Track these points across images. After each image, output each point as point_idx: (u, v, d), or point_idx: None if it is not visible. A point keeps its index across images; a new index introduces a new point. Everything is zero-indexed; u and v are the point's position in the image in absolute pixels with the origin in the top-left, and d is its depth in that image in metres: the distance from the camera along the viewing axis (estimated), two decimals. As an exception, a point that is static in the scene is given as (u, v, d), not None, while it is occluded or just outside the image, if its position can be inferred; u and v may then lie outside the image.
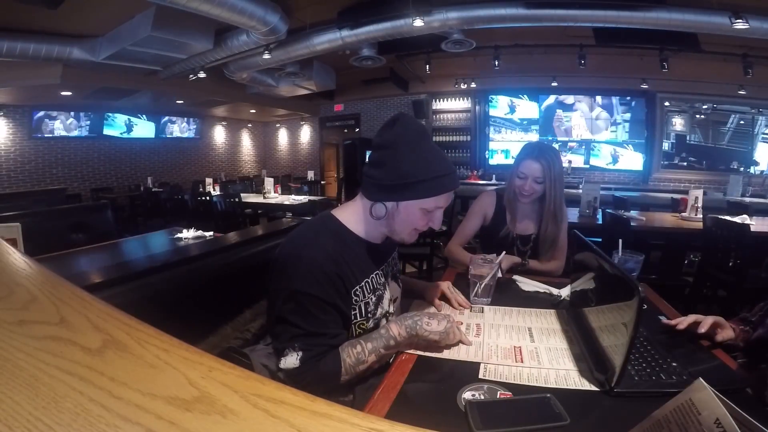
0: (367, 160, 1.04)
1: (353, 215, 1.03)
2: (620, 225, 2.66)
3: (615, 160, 7.22)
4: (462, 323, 1.09)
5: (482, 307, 1.22)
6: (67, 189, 6.91)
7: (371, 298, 1.02)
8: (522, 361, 0.89)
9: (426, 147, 0.95)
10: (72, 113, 7.00)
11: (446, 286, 1.24)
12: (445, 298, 1.24)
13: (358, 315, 0.99)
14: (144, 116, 8.09)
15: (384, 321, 1.07)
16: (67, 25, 4.23)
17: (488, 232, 1.75)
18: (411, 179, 0.92)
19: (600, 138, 7.27)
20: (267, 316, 1.06)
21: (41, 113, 6.63)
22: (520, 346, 0.96)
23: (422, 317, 0.92)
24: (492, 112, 7.81)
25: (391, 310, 1.11)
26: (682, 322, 1.00)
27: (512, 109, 7.71)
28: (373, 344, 0.92)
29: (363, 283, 1.00)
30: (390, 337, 0.91)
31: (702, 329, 0.96)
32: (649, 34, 4.34)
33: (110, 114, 7.51)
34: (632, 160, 7.15)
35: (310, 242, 0.95)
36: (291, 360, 0.87)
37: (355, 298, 0.98)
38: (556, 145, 6.80)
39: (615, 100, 7.14)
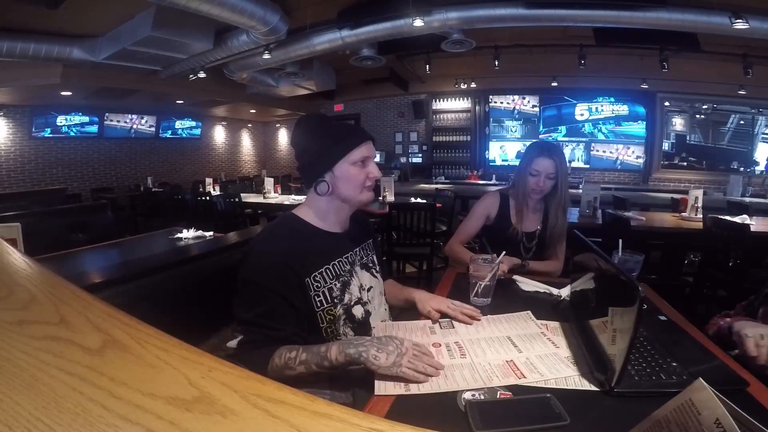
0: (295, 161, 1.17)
1: (309, 210, 1.13)
2: (620, 225, 2.66)
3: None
4: (440, 344, 1.00)
5: (452, 323, 1.12)
6: (67, 189, 6.90)
7: (335, 284, 1.07)
8: (524, 377, 0.84)
9: (329, 122, 1.13)
10: (72, 113, 7.00)
11: (446, 305, 1.14)
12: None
13: (323, 301, 1.04)
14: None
15: (360, 308, 1.10)
16: (67, 25, 4.23)
17: (491, 232, 1.78)
18: (328, 145, 1.07)
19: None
20: None
21: (41, 113, 6.62)
22: (511, 359, 0.91)
23: (370, 348, 0.83)
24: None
25: (365, 298, 1.13)
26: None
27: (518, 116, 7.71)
28: (307, 356, 0.90)
29: (323, 269, 1.06)
30: (325, 358, 0.88)
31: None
32: (649, 34, 4.34)
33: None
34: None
35: (264, 238, 1.08)
36: (233, 342, 1.03)
37: (315, 284, 1.03)
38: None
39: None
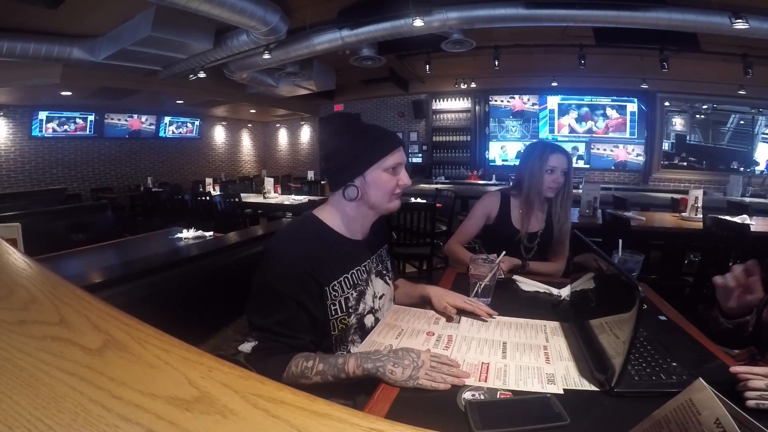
0: (321, 161, 1.12)
1: (331, 213, 1.09)
2: (620, 225, 2.66)
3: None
4: (434, 333, 1.04)
5: (459, 318, 1.14)
6: (67, 189, 6.90)
7: (351, 293, 1.04)
8: (486, 380, 0.82)
9: (361, 124, 1.07)
10: (72, 113, 6.99)
11: (462, 300, 1.17)
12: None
13: (338, 310, 1.01)
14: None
15: (371, 317, 1.10)
16: (67, 25, 4.23)
17: (491, 232, 1.78)
18: (361, 149, 1.02)
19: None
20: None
21: (41, 113, 6.62)
22: (488, 363, 0.89)
23: (386, 363, 0.83)
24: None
25: (376, 306, 1.13)
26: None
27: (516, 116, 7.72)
28: (324, 367, 0.88)
29: (342, 279, 1.03)
30: (342, 371, 0.86)
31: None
32: (649, 34, 4.34)
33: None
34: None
35: (285, 240, 1.02)
36: (246, 346, 0.95)
37: (333, 293, 1.00)
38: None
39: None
